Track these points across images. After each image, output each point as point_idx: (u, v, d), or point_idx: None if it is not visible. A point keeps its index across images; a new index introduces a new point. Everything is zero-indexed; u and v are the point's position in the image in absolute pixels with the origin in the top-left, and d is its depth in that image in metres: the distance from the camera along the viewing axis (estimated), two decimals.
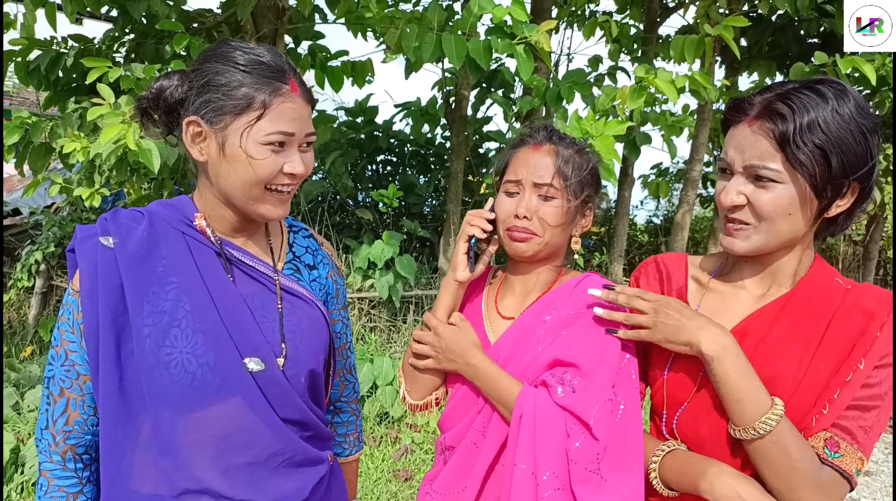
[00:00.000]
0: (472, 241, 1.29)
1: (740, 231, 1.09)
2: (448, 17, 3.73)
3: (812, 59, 4.33)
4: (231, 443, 1.07)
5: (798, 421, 1.04)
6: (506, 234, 1.27)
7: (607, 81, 5.33)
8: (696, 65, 4.12)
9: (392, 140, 6.56)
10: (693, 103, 5.47)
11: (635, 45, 6.34)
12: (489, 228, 1.29)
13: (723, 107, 4.60)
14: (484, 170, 6.29)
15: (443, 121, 6.14)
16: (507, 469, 1.16)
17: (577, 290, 1.27)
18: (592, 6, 6.31)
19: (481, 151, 6.67)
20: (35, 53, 3.89)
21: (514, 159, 1.29)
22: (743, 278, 1.19)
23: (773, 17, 6.77)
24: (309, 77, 4.51)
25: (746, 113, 1.08)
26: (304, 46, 4.59)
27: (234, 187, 1.08)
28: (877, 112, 6.19)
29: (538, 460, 1.12)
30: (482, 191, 5.80)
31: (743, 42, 7.01)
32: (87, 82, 3.24)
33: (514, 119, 5.07)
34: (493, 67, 5.56)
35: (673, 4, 6.23)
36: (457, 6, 5.37)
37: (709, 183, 7.39)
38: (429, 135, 6.64)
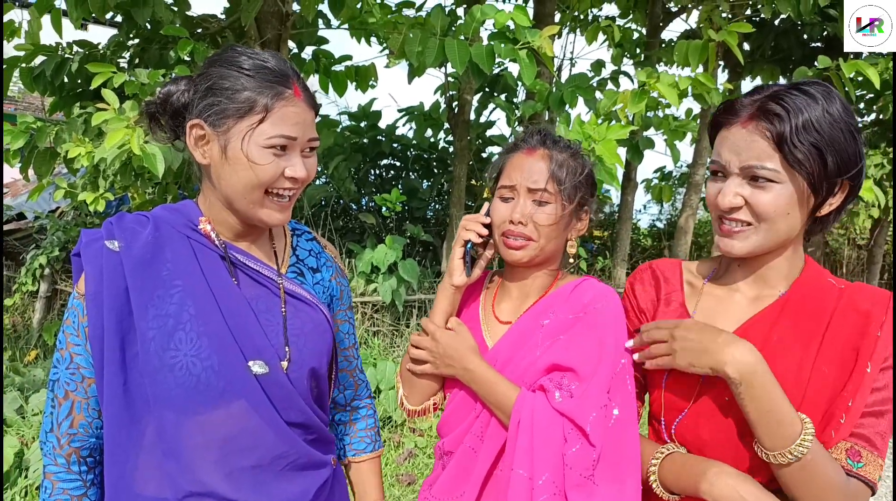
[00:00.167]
0: (469, 246, 1.29)
1: (739, 232, 1.09)
2: (451, 23, 3.74)
3: (815, 63, 4.33)
4: (235, 446, 1.08)
5: (818, 428, 1.03)
6: (501, 239, 1.27)
7: (610, 86, 5.34)
8: (700, 69, 4.12)
9: (395, 145, 6.57)
10: (696, 108, 5.47)
11: (638, 50, 6.34)
12: (485, 232, 1.29)
13: None
14: (487, 174, 6.29)
15: (446, 125, 6.15)
16: (505, 474, 1.16)
17: (575, 294, 1.26)
18: (595, 11, 6.32)
19: (484, 155, 6.68)
20: (40, 59, 3.91)
21: (508, 164, 1.29)
22: (736, 281, 1.19)
23: (776, 22, 6.77)
24: (313, 82, 4.53)
25: (739, 114, 1.08)
26: (307, 52, 4.61)
27: (236, 191, 1.09)
28: (881, 116, 6.20)
29: (535, 465, 1.12)
30: (485, 195, 5.80)
31: (746, 46, 7.01)
32: (91, 87, 3.26)
33: (516, 123, 5.07)
34: (496, 71, 5.58)
35: (676, 9, 6.23)
36: (460, 11, 5.39)
37: None
38: (432, 139, 6.65)
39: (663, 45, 6.17)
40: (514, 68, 5.61)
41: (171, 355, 1.05)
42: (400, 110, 6.30)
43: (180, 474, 1.06)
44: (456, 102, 5.40)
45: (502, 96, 5.72)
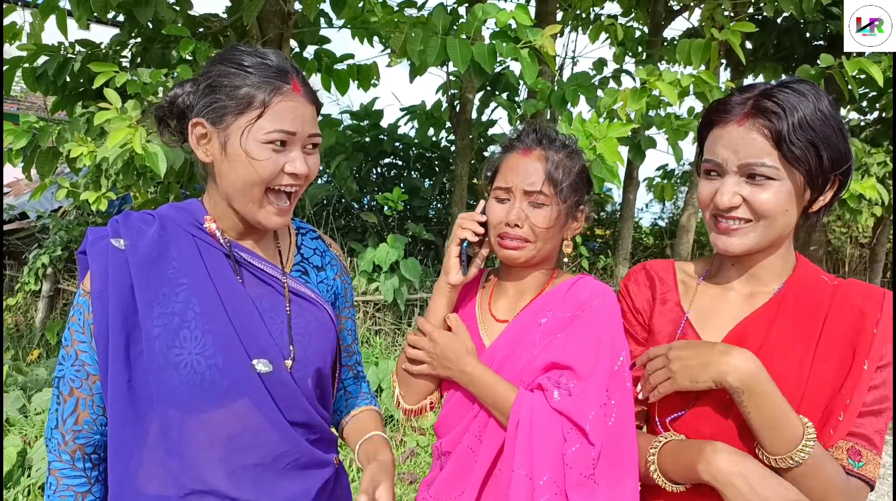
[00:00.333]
0: (464, 244, 1.29)
1: (738, 230, 1.09)
2: (452, 22, 3.74)
3: (818, 61, 4.32)
4: (238, 445, 1.08)
5: (816, 427, 1.03)
6: (497, 240, 1.27)
7: (612, 84, 5.33)
8: (702, 68, 4.11)
9: (397, 143, 6.58)
10: (698, 106, 5.46)
11: (640, 48, 6.34)
12: (481, 231, 1.29)
13: None
14: (483, 172, 6.30)
15: (448, 124, 6.15)
16: (505, 474, 1.16)
17: (571, 292, 1.26)
18: (597, 9, 6.31)
19: (486, 154, 6.68)
20: (42, 59, 3.92)
21: (503, 165, 1.28)
22: (730, 279, 1.19)
23: (779, 20, 6.76)
24: (315, 81, 4.53)
25: (732, 113, 1.08)
26: (309, 51, 4.61)
27: (235, 188, 1.09)
28: (883, 114, 6.18)
29: (535, 465, 1.12)
30: (486, 194, 5.79)
31: (748, 45, 7.00)
32: (94, 87, 3.26)
33: (518, 122, 5.07)
34: (498, 70, 5.58)
35: (678, 7, 6.23)
36: (461, 10, 5.38)
37: None
38: (434, 138, 6.65)
39: (665, 44, 6.17)
40: (515, 67, 5.61)
41: (176, 353, 1.05)
42: (402, 109, 6.31)
43: (183, 472, 1.06)
44: (458, 101, 5.40)
45: (504, 95, 5.71)
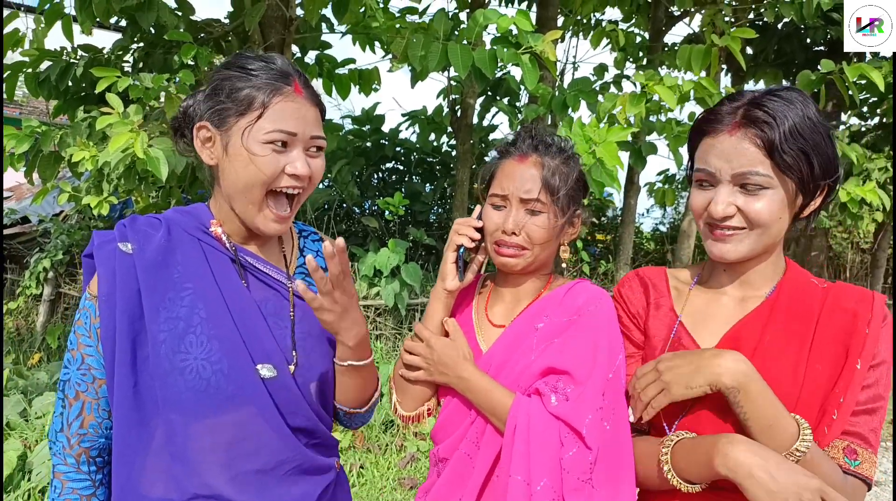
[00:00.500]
0: (461, 250, 1.29)
1: (733, 236, 1.10)
2: (454, 27, 3.75)
3: (818, 66, 4.33)
4: (241, 450, 1.08)
5: (811, 426, 1.04)
6: (493, 248, 1.26)
7: (613, 90, 5.34)
8: (703, 74, 4.12)
9: (398, 148, 6.59)
10: (699, 111, 5.46)
11: (641, 54, 6.35)
12: (477, 236, 1.28)
13: None
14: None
15: (449, 129, 6.16)
16: (503, 480, 1.15)
17: (568, 297, 1.26)
18: (598, 15, 6.33)
19: (487, 159, 6.68)
20: (45, 64, 3.93)
21: (499, 171, 1.28)
22: (722, 284, 1.20)
23: (779, 26, 6.77)
24: (316, 86, 4.52)
25: (723, 122, 1.09)
26: (311, 56, 4.62)
27: (237, 189, 1.09)
28: (884, 119, 6.18)
29: (532, 470, 1.11)
30: (483, 199, 5.80)
31: (749, 50, 7.01)
32: (96, 92, 3.27)
33: (519, 127, 5.08)
34: (499, 75, 5.58)
35: (678, 13, 6.24)
36: (462, 16, 5.40)
37: None
38: (435, 143, 6.66)
39: (666, 49, 6.17)
40: (516, 72, 5.62)
41: (182, 358, 1.06)
42: (403, 114, 6.32)
43: (186, 476, 1.06)
44: (459, 106, 5.41)
45: (505, 100, 5.72)
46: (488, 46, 3.49)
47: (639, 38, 6.36)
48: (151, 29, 3.87)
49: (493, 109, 6.02)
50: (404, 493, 3.46)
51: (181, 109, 1.17)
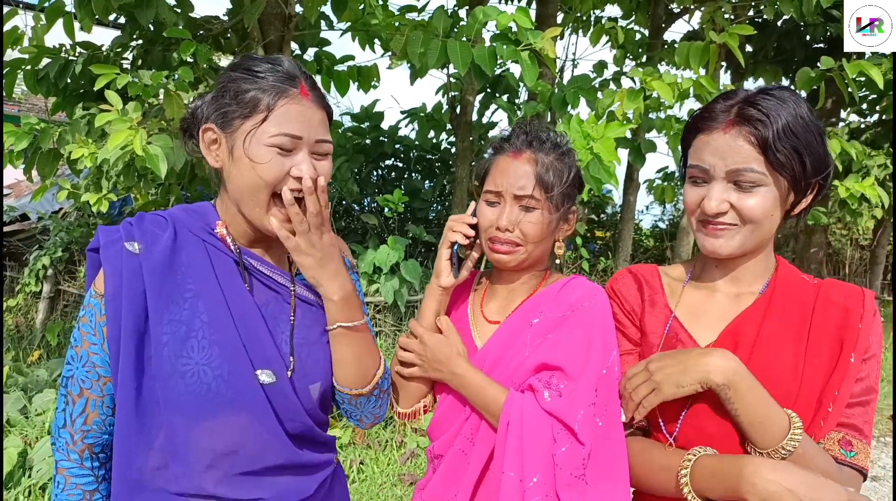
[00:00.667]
0: (455, 247, 1.29)
1: (725, 231, 1.11)
2: (453, 24, 3.75)
3: (818, 63, 4.33)
4: (237, 453, 1.09)
5: (808, 418, 1.06)
6: (488, 244, 1.26)
7: (612, 87, 5.34)
8: (701, 72, 4.12)
9: (397, 145, 6.58)
10: (698, 109, 5.47)
11: (640, 51, 6.34)
12: (471, 233, 1.28)
13: None
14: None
15: (448, 126, 6.16)
16: (496, 476, 1.15)
17: (563, 292, 1.26)
18: (598, 12, 6.32)
19: (486, 156, 6.68)
20: (44, 61, 3.93)
21: (493, 167, 1.27)
22: (715, 281, 1.22)
23: (779, 23, 6.77)
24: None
25: (717, 120, 1.10)
26: (310, 54, 4.62)
27: (242, 192, 1.09)
28: (883, 116, 6.18)
29: (525, 466, 1.12)
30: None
31: (748, 48, 7.00)
32: (95, 89, 3.26)
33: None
34: (498, 72, 5.58)
35: (678, 10, 6.23)
36: (462, 13, 5.39)
37: None
38: (434, 140, 6.65)
39: (665, 47, 6.17)
40: (516, 69, 5.62)
41: (183, 362, 1.06)
42: (402, 111, 6.31)
43: (184, 477, 1.07)
44: (458, 103, 5.40)
45: (504, 97, 5.72)
46: (488, 43, 3.49)
47: (638, 36, 6.35)
48: (150, 26, 3.86)
49: (493, 107, 6.02)
50: (404, 489, 3.47)
51: (189, 110, 1.17)
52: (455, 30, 3.66)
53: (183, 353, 1.06)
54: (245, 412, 1.08)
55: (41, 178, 3.77)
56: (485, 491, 1.21)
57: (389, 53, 4.29)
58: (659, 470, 1.12)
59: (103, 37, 4.48)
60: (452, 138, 6.49)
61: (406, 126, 6.47)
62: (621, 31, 5.67)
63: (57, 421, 1.12)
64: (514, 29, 3.44)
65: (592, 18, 6.36)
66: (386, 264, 4.89)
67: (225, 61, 4.53)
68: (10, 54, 3.88)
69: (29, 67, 3.90)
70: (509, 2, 6.43)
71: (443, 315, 1.31)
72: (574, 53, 9.09)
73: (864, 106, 6.60)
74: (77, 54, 3.98)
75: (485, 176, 1.29)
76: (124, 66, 4.16)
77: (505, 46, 3.38)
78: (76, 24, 3.58)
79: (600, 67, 5.76)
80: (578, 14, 6.16)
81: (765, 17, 6.04)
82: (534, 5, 5.61)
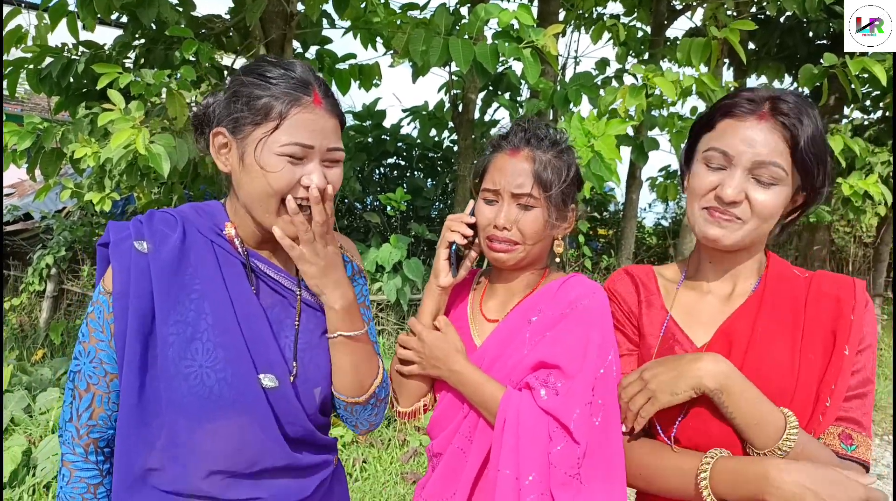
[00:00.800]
0: (454, 247, 1.28)
1: (730, 222, 1.10)
2: (455, 22, 3.74)
3: (821, 60, 4.31)
4: (239, 456, 1.09)
5: (806, 414, 1.06)
6: (486, 243, 1.26)
7: (614, 84, 5.32)
8: (703, 69, 4.11)
9: (400, 144, 6.58)
10: (701, 106, 5.46)
11: (642, 48, 6.33)
12: (470, 233, 1.28)
13: None
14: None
15: (450, 124, 6.16)
16: (493, 474, 1.15)
17: (562, 290, 1.25)
18: (600, 9, 6.31)
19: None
20: (47, 61, 3.93)
21: (491, 165, 1.26)
22: (709, 280, 1.22)
23: (782, 19, 6.74)
24: None
25: (753, 108, 1.09)
26: (311, 51, 4.62)
27: (252, 198, 1.09)
28: (886, 113, 6.15)
29: (521, 464, 1.12)
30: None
31: (751, 45, 6.98)
32: (97, 88, 3.26)
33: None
34: (500, 70, 5.57)
35: (680, 7, 6.22)
36: (464, 11, 5.39)
37: None
38: (436, 138, 6.65)
39: (668, 44, 6.16)
40: (518, 67, 5.61)
41: (187, 364, 1.06)
42: (404, 110, 6.31)
43: (184, 477, 1.07)
44: (460, 101, 5.40)
45: (506, 95, 5.71)
46: (490, 41, 3.48)
47: (640, 33, 6.34)
48: (152, 25, 3.86)
49: (495, 104, 6.01)
50: (407, 487, 3.47)
51: (202, 107, 1.16)
52: (457, 27, 3.66)
53: (187, 355, 1.07)
54: (247, 415, 1.08)
55: (44, 177, 3.77)
56: (482, 489, 1.21)
57: (391, 52, 4.29)
58: (673, 473, 1.10)
59: (105, 36, 4.49)
60: (454, 136, 6.49)
61: (408, 124, 6.48)
62: (623, 28, 5.66)
63: (64, 415, 1.13)
64: (516, 26, 3.44)
65: (594, 15, 6.35)
66: (388, 263, 4.89)
67: (227, 60, 4.53)
68: (14, 53, 3.89)
69: (32, 66, 3.90)
70: None
71: (441, 316, 1.31)
72: (576, 51, 9.08)
73: (868, 103, 6.57)
74: (80, 53, 3.98)
75: (483, 174, 1.29)
76: (127, 65, 4.16)
77: (507, 44, 3.38)
78: (79, 24, 3.58)
79: (602, 64, 5.75)
80: (580, 11, 6.15)
81: (767, 13, 6.02)
82: (535, 2, 5.60)
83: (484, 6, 3.51)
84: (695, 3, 5.89)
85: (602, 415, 1.13)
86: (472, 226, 1.28)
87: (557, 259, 1.31)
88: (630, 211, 6.47)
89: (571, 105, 4.13)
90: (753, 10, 5.97)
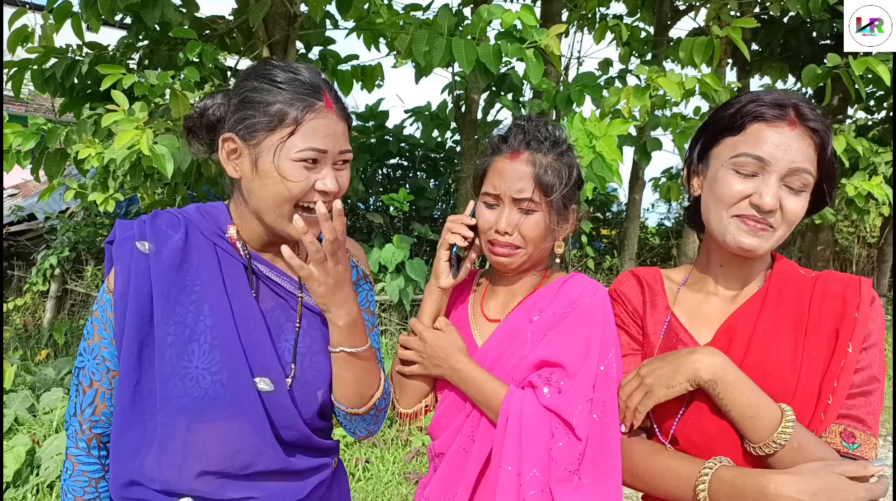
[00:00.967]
0: (454, 248, 1.28)
1: (765, 231, 1.09)
2: (458, 23, 3.74)
3: (824, 60, 4.30)
4: (232, 457, 1.09)
5: (808, 412, 1.05)
6: (488, 247, 1.25)
7: (617, 84, 5.32)
8: (706, 69, 4.10)
9: (402, 144, 6.58)
10: (704, 106, 5.45)
11: (645, 48, 6.33)
12: (470, 235, 1.28)
13: None
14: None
15: (453, 125, 6.16)
16: (494, 471, 1.16)
17: (563, 290, 1.26)
18: (603, 9, 6.30)
19: None
20: (51, 61, 3.95)
21: (491, 169, 1.25)
22: (716, 282, 1.21)
23: (785, 19, 6.74)
24: None
25: (780, 115, 1.08)
26: (314, 52, 4.63)
27: (266, 204, 1.09)
28: (891, 113, 6.13)
29: (523, 460, 1.12)
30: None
31: (755, 46, 6.97)
32: (101, 89, 3.28)
33: (511, 120, 5.06)
34: (503, 70, 5.57)
35: (683, 7, 6.21)
36: (466, 11, 5.39)
37: None
38: (439, 139, 6.65)
39: (671, 44, 6.15)
40: (520, 67, 5.61)
41: (184, 365, 1.07)
42: (407, 111, 6.31)
43: (177, 477, 1.08)
44: (463, 102, 5.40)
45: (509, 96, 5.71)
46: (492, 42, 3.48)
47: (644, 34, 6.33)
48: (156, 26, 3.88)
49: (498, 105, 6.01)
50: (410, 487, 3.47)
51: (198, 109, 1.16)
52: (460, 28, 3.66)
53: (184, 356, 1.07)
54: (241, 418, 1.09)
55: (48, 178, 3.79)
56: (485, 488, 1.21)
57: (394, 52, 4.29)
58: (672, 478, 1.10)
59: (109, 37, 4.50)
60: (457, 137, 6.49)
61: (411, 125, 6.48)
62: (626, 28, 5.65)
63: (69, 409, 1.15)
64: (519, 27, 3.44)
65: (597, 16, 6.35)
66: (391, 263, 4.89)
67: (231, 61, 4.54)
68: (19, 54, 3.91)
69: (36, 67, 3.92)
70: (514, 0, 6.42)
71: (441, 317, 1.32)
72: (579, 51, 9.06)
73: (872, 103, 6.56)
74: (84, 54, 4.00)
75: (483, 177, 1.28)
76: (130, 66, 4.18)
77: (510, 44, 3.38)
78: (83, 25, 3.60)
79: (605, 64, 5.75)
80: (583, 11, 6.14)
81: (771, 13, 6.01)
82: (538, 3, 5.60)
83: (487, 7, 3.51)
84: (698, 4, 5.88)
85: (601, 412, 1.14)
86: (473, 227, 1.28)
87: (558, 260, 1.32)
88: (633, 211, 6.46)
89: (574, 106, 4.13)
90: (757, 10, 5.96)
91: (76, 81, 3.94)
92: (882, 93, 6.16)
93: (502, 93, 5.81)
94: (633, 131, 4.44)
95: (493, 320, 1.31)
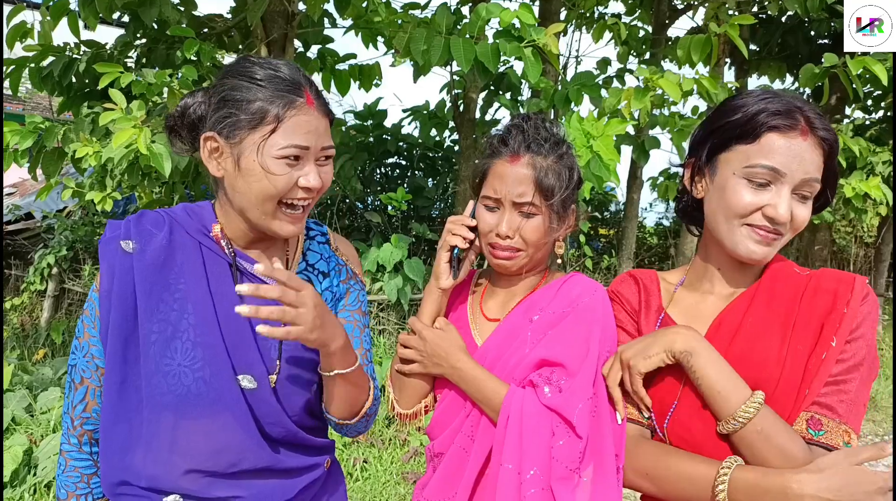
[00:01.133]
0: (455, 250, 1.28)
1: (776, 240, 1.11)
2: (456, 21, 3.74)
3: (822, 60, 4.30)
4: (218, 455, 1.09)
5: (789, 404, 1.06)
6: (488, 249, 1.25)
7: (616, 84, 5.32)
8: (703, 68, 4.10)
9: (401, 143, 6.58)
10: (703, 106, 5.45)
11: (644, 47, 6.33)
12: (471, 236, 1.27)
13: None
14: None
15: (451, 124, 6.16)
16: (495, 470, 1.16)
17: (563, 289, 1.26)
18: (601, 8, 6.30)
19: None
20: (49, 59, 3.94)
21: (490, 173, 1.24)
22: (712, 283, 1.22)
23: (783, 19, 6.74)
24: (316, 80, 4.53)
25: (793, 124, 1.07)
26: (313, 51, 4.62)
27: (250, 202, 1.09)
28: (888, 113, 6.14)
29: (523, 459, 1.12)
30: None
31: (752, 45, 6.98)
32: (99, 87, 3.27)
33: (509, 120, 5.06)
34: (501, 69, 5.57)
35: (682, 6, 6.21)
36: (465, 10, 5.39)
37: None
38: (437, 138, 6.65)
39: (669, 43, 6.15)
40: (519, 66, 5.61)
41: (167, 362, 1.08)
42: (405, 110, 6.31)
43: (164, 474, 1.08)
44: (461, 101, 5.40)
45: (507, 95, 5.71)
46: (491, 40, 3.48)
47: (642, 33, 6.33)
48: (154, 24, 3.87)
49: (497, 104, 6.01)
50: (408, 487, 3.47)
51: (179, 108, 1.15)
52: (458, 27, 3.66)
53: (167, 353, 1.08)
54: (225, 415, 1.09)
55: (46, 177, 3.78)
56: (484, 487, 1.21)
57: (392, 51, 4.29)
58: (685, 480, 1.08)
59: (107, 35, 4.49)
60: (455, 136, 6.49)
61: (409, 124, 6.47)
62: (624, 27, 5.65)
63: (64, 406, 1.17)
64: (518, 25, 3.43)
65: (596, 15, 6.34)
66: (389, 263, 4.89)
67: (228, 59, 4.53)
68: (17, 51, 3.90)
69: (34, 65, 3.91)
70: None
71: (440, 317, 1.32)
72: (577, 50, 9.07)
73: (869, 102, 6.57)
74: (81, 53, 3.99)
75: (482, 179, 1.27)
76: (128, 64, 4.17)
77: (508, 43, 3.37)
78: (81, 23, 3.59)
79: (604, 63, 5.74)
80: (581, 10, 6.14)
81: (769, 12, 6.02)
82: (537, 2, 5.60)
83: (485, 5, 3.51)
84: (696, 3, 5.89)
85: (599, 409, 1.15)
86: (473, 228, 1.28)
87: (559, 260, 1.32)
88: (631, 211, 6.46)
89: (573, 105, 4.13)
90: (755, 9, 5.96)
91: (74, 79, 3.93)
92: (879, 92, 6.17)
93: (500, 92, 5.81)
94: (631, 130, 4.44)
95: (492, 319, 1.31)
